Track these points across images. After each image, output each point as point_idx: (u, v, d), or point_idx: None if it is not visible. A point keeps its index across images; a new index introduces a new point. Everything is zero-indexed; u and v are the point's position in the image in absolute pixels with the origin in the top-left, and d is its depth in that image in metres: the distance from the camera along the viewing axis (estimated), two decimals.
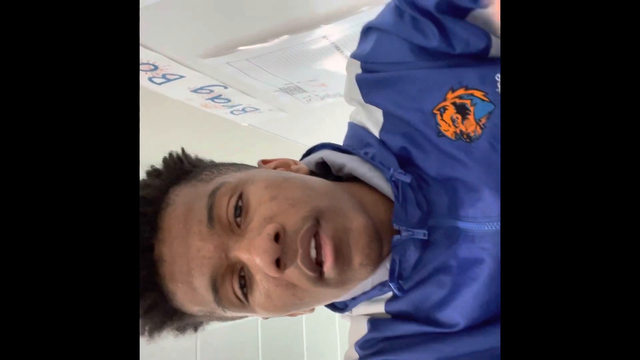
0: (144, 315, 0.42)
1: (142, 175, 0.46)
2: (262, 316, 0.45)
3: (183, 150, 0.49)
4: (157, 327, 0.43)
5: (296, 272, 0.39)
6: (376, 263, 0.41)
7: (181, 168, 0.46)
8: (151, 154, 0.49)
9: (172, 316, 0.43)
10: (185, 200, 0.41)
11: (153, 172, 0.46)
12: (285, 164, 0.51)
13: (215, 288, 0.40)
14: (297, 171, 0.50)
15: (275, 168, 0.50)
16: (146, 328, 0.43)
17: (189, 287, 0.40)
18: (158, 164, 0.47)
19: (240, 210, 0.40)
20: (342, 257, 0.39)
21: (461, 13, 0.43)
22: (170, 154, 0.47)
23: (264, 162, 0.52)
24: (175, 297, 0.42)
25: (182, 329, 0.46)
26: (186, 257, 0.40)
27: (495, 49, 0.43)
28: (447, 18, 0.43)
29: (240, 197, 0.40)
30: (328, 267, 0.39)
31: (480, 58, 0.44)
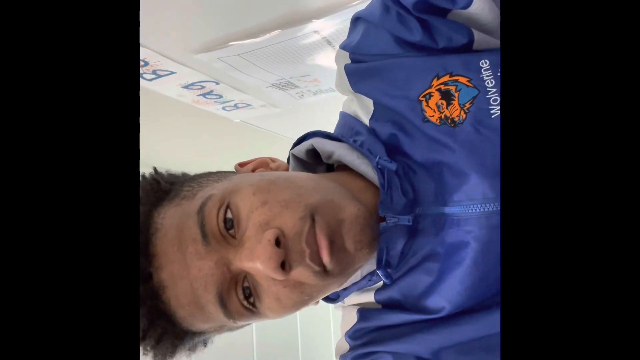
0: (155, 345, 0.42)
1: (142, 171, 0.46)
2: (272, 319, 0.45)
3: (155, 169, 0.48)
4: (169, 353, 0.43)
5: (303, 271, 0.39)
6: (371, 246, 0.41)
7: (159, 189, 0.45)
8: (146, 152, 0.49)
9: (183, 339, 0.43)
10: (173, 222, 0.41)
11: None
12: (263, 164, 0.51)
13: (223, 303, 0.40)
14: (276, 169, 0.50)
15: (253, 170, 0.50)
16: (159, 356, 0.43)
17: (196, 307, 0.40)
18: (150, 162, 0.47)
19: (231, 222, 0.40)
20: (336, 247, 0.39)
21: (440, 12, 0.44)
22: (144, 177, 0.46)
23: (241, 165, 0.51)
24: (184, 320, 0.41)
25: (193, 348, 0.46)
26: (188, 279, 0.39)
27: (478, 43, 0.44)
28: (427, 16, 0.44)
29: (228, 207, 0.40)
30: (325, 260, 0.39)
31: (463, 51, 0.44)
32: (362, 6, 0.91)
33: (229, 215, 0.40)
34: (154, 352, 0.42)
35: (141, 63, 1.09)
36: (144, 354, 0.42)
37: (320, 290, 0.42)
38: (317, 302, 0.47)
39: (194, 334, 0.44)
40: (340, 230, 0.39)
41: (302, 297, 0.41)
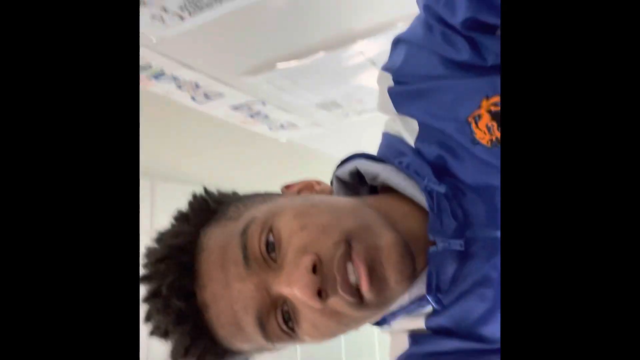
0: None
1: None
2: (312, 343, 0.45)
3: (205, 188, 0.49)
4: None
5: (338, 300, 0.38)
6: (411, 278, 0.40)
7: (207, 208, 0.46)
8: (195, 170, 0.51)
9: (223, 357, 0.44)
10: (218, 243, 0.42)
11: (180, 217, 0.46)
12: (308, 186, 0.50)
13: (262, 325, 0.40)
14: (321, 192, 0.50)
15: (299, 192, 0.50)
16: None
17: (235, 328, 0.41)
18: (199, 180, 0.48)
19: (273, 245, 0.40)
20: (376, 276, 0.38)
21: (489, 29, 0.43)
22: (194, 196, 0.47)
23: (287, 187, 0.52)
24: (224, 340, 0.42)
25: None
26: (229, 300, 0.40)
27: None
28: (475, 34, 0.43)
29: (270, 230, 0.40)
30: (365, 289, 0.38)
31: None
32: (406, 27, 0.92)
33: (271, 238, 0.40)
34: None
35: (193, 86, 1.14)
36: None
37: (358, 321, 0.41)
38: (358, 328, 0.47)
39: (234, 353, 0.44)
40: (380, 258, 0.39)
41: (339, 327, 0.40)
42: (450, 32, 0.44)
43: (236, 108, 1.30)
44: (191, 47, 0.97)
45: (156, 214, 1.33)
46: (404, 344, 0.47)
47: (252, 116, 1.36)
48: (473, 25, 0.42)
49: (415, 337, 0.46)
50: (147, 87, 1.13)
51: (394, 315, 0.47)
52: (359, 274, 0.38)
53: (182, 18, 0.84)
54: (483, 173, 0.43)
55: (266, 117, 1.37)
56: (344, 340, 2.04)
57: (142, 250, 0.43)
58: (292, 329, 0.41)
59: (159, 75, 1.08)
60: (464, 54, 0.44)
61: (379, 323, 0.50)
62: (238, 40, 0.96)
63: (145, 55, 0.97)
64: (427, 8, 0.45)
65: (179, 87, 1.15)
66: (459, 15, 0.41)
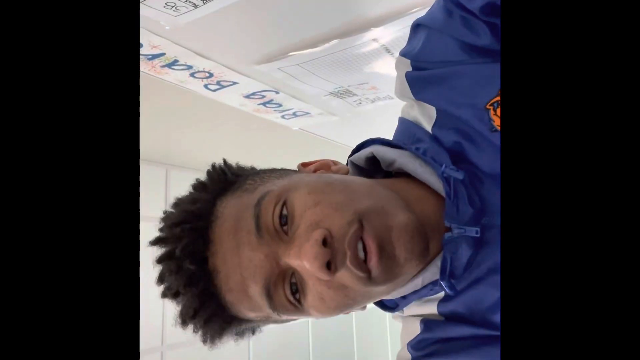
0: (204, 325, 0.44)
1: (192, 179, 0.48)
2: (316, 318, 0.46)
3: (225, 160, 0.50)
4: (217, 334, 0.45)
5: (347, 274, 0.39)
6: (421, 257, 0.41)
7: (225, 179, 0.47)
8: (208, 158, 0.51)
9: (230, 323, 0.45)
10: (232, 212, 0.43)
11: (199, 186, 0.48)
12: (325, 165, 0.51)
13: (270, 295, 0.41)
14: (337, 171, 0.50)
15: (315, 171, 0.51)
16: (207, 336, 0.45)
17: (244, 295, 0.42)
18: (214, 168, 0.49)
19: (285, 218, 0.41)
20: (385, 254, 0.39)
21: None
22: (213, 166, 0.49)
23: (304, 165, 0.52)
24: (232, 306, 0.43)
25: (240, 334, 0.48)
26: (239, 267, 0.41)
27: None
28: (495, 19, 0.42)
29: (284, 204, 0.41)
30: (373, 265, 0.39)
31: None
32: (421, 13, 0.91)
33: (285, 211, 0.41)
34: (202, 331, 0.44)
35: (206, 74, 1.15)
36: (193, 332, 0.44)
37: (364, 296, 0.42)
38: (365, 307, 0.47)
39: (240, 320, 0.45)
40: (390, 237, 0.39)
41: (345, 300, 0.41)
42: (470, 16, 0.43)
43: (249, 96, 1.30)
44: (204, 35, 0.97)
45: (170, 201, 1.34)
46: (415, 329, 0.47)
47: (265, 104, 1.36)
48: (492, 10, 0.41)
49: (427, 322, 0.46)
50: (161, 75, 1.13)
51: (406, 299, 0.47)
52: (368, 250, 0.39)
53: (195, 6, 0.83)
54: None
55: (279, 105, 1.37)
56: (356, 342, 2.06)
57: (149, 238, 0.45)
58: (299, 301, 0.42)
59: (172, 64, 1.08)
60: (484, 38, 0.43)
61: (391, 308, 0.51)
62: (251, 28, 0.96)
63: (159, 43, 0.98)
64: None
65: (192, 75, 1.15)
66: (478, 0, 0.41)
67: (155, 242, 0.44)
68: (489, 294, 0.42)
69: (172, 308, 0.45)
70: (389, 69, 1.10)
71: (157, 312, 1.26)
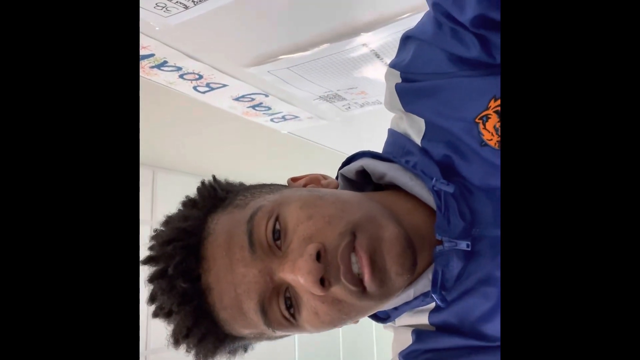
0: (197, 344, 0.43)
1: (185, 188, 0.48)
2: (310, 332, 0.45)
3: (214, 177, 0.50)
4: (210, 353, 0.44)
5: (341, 289, 0.39)
6: (412, 271, 0.41)
7: (215, 195, 0.47)
8: (196, 161, 0.51)
9: (224, 341, 0.45)
10: (224, 229, 0.42)
11: (189, 203, 0.47)
12: (314, 180, 0.51)
13: (264, 311, 0.41)
14: (327, 186, 0.50)
15: (305, 185, 0.50)
16: (201, 355, 0.44)
17: (238, 312, 0.41)
18: (201, 170, 0.49)
19: (278, 233, 0.41)
20: (377, 268, 0.39)
21: (499, 27, 0.42)
22: (203, 183, 0.48)
23: (294, 179, 0.52)
24: (226, 323, 0.43)
25: (233, 352, 0.47)
26: (233, 284, 0.41)
27: None
28: (485, 31, 0.42)
29: (277, 219, 0.41)
30: (367, 280, 0.39)
31: None
32: (411, 19, 0.92)
33: (277, 226, 0.41)
34: (195, 350, 0.44)
35: (195, 76, 1.14)
36: (186, 351, 0.44)
37: (359, 311, 0.42)
38: (357, 321, 0.47)
39: (234, 338, 0.45)
40: (381, 249, 0.39)
41: (339, 315, 0.41)
42: (459, 28, 0.43)
43: (238, 99, 1.30)
44: (194, 36, 0.97)
45: (157, 203, 1.33)
46: (407, 340, 0.47)
47: (254, 107, 1.36)
48: (482, 22, 0.41)
49: (419, 333, 0.47)
50: (150, 76, 1.13)
51: (398, 310, 0.47)
52: (361, 265, 0.39)
53: (186, 7, 0.83)
54: (490, 175, 0.43)
55: (269, 108, 1.37)
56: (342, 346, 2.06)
57: (142, 241, 0.44)
58: (293, 316, 0.42)
59: (161, 65, 1.07)
60: (473, 50, 0.43)
61: (382, 319, 0.51)
62: (242, 30, 0.96)
63: (148, 43, 0.97)
64: (436, 5, 0.44)
65: (182, 77, 1.14)
66: (469, 12, 0.41)
67: (147, 261, 0.43)
68: (478, 305, 0.43)
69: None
70: (378, 74, 1.10)
71: (141, 316, 1.24)
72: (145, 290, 0.44)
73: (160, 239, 0.43)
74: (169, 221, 0.45)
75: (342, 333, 2.01)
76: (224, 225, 0.43)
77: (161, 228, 0.45)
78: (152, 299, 0.44)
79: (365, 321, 0.49)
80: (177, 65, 1.07)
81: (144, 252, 0.43)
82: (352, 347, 2.07)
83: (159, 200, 1.27)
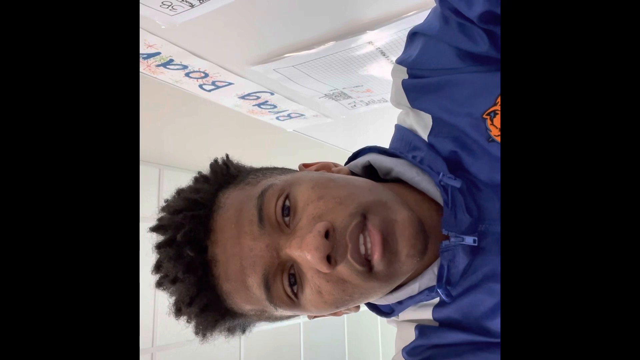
0: (199, 314, 0.43)
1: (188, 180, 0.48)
2: (311, 314, 0.45)
3: (227, 156, 0.51)
4: (210, 327, 0.45)
5: (346, 268, 0.39)
6: (422, 254, 0.41)
7: (228, 173, 0.48)
8: (201, 159, 0.51)
9: (224, 315, 0.45)
10: (235, 203, 0.43)
11: (201, 178, 0.48)
12: (326, 167, 0.51)
13: (268, 286, 0.41)
14: (338, 172, 0.50)
15: (316, 171, 0.51)
16: (200, 327, 0.44)
17: (242, 285, 0.42)
18: (207, 169, 0.49)
19: (288, 210, 0.41)
20: (389, 248, 0.39)
21: None
22: (216, 160, 0.49)
23: (305, 165, 0.53)
24: (228, 296, 0.43)
25: (232, 330, 0.48)
26: (239, 257, 0.41)
27: None
28: (493, 27, 0.42)
29: (287, 197, 0.42)
30: (376, 258, 0.39)
31: None
32: (417, 17, 0.91)
33: (287, 203, 0.41)
34: (196, 321, 0.44)
35: (201, 74, 1.14)
36: (186, 322, 0.44)
37: (362, 293, 0.42)
38: (358, 308, 0.47)
39: (235, 314, 0.45)
40: (394, 231, 0.39)
41: (342, 295, 0.41)
42: (467, 23, 0.43)
43: (244, 97, 1.30)
44: (200, 35, 0.97)
45: (163, 201, 1.33)
46: (410, 335, 0.47)
47: (259, 105, 1.36)
48: (490, 18, 0.41)
49: (422, 328, 0.46)
50: (156, 74, 1.13)
51: (402, 305, 0.47)
52: (372, 242, 0.38)
53: (191, 5, 0.83)
54: (497, 171, 0.43)
55: (274, 106, 1.37)
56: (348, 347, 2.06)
57: (142, 238, 0.44)
58: (296, 294, 0.42)
59: (167, 63, 1.08)
60: (482, 45, 0.43)
61: (387, 314, 0.50)
62: (247, 29, 0.96)
63: (154, 42, 0.97)
64: (443, 1, 0.44)
65: (187, 75, 1.15)
66: (477, 8, 0.41)
67: (155, 229, 0.44)
68: (483, 301, 0.43)
69: (163, 312, 0.44)
70: (384, 72, 1.10)
71: (148, 313, 1.25)
72: (148, 289, 0.44)
73: (171, 208, 0.44)
74: (180, 192, 0.46)
75: (347, 333, 2.01)
76: (234, 200, 0.43)
77: (172, 198, 0.46)
78: (157, 266, 0.44)
79: (371, 323, 0.49)
80: (182, 63, 1.08)
81: (149, 249, 0.43)
82: (357, 347, 2.07)
83: (165, 198, 1.28)
